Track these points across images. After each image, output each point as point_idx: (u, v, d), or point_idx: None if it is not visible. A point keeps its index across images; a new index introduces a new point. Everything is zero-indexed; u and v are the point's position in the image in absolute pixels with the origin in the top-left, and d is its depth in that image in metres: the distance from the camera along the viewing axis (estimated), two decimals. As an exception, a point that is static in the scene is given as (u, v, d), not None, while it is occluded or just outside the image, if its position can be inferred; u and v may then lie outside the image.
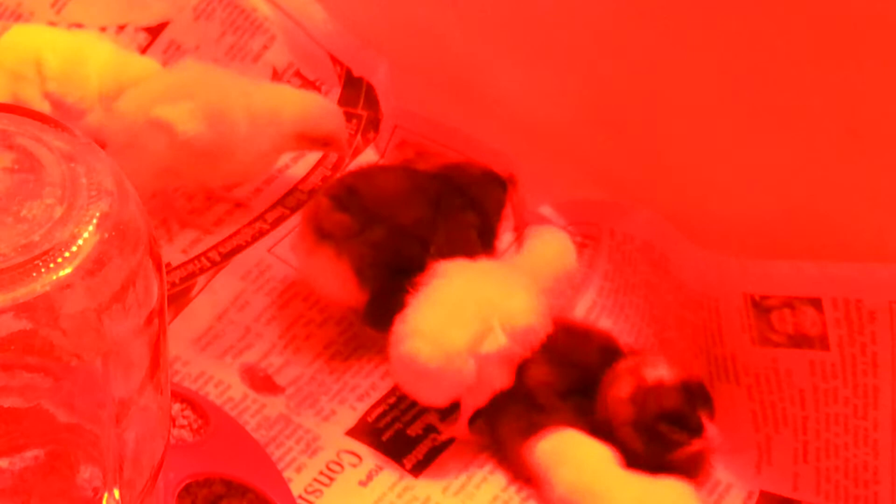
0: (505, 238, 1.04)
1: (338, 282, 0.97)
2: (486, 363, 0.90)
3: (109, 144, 1.03)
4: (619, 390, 0.90)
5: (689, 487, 0.87)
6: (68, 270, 0.63)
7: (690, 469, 0.91)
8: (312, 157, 1.12)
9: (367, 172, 1.02)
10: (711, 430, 0.88)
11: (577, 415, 0.91)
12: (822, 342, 0.90)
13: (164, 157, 1.02)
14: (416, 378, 0.91)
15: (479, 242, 1.00)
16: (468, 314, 0.91)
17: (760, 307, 0.92)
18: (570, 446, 0.89)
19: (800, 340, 0.91)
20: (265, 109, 1.04)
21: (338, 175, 1.04)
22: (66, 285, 0.63)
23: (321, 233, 0.97)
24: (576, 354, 0.94)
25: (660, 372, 0.89)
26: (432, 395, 0.92)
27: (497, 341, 0.91)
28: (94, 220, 0.64)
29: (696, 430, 0.88)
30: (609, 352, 0.94)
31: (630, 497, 0.86)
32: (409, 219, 0.97)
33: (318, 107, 1.07)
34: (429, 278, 0.93)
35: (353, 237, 0.96)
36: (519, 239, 1.03)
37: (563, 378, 0.93)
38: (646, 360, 0.91)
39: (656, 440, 0.89)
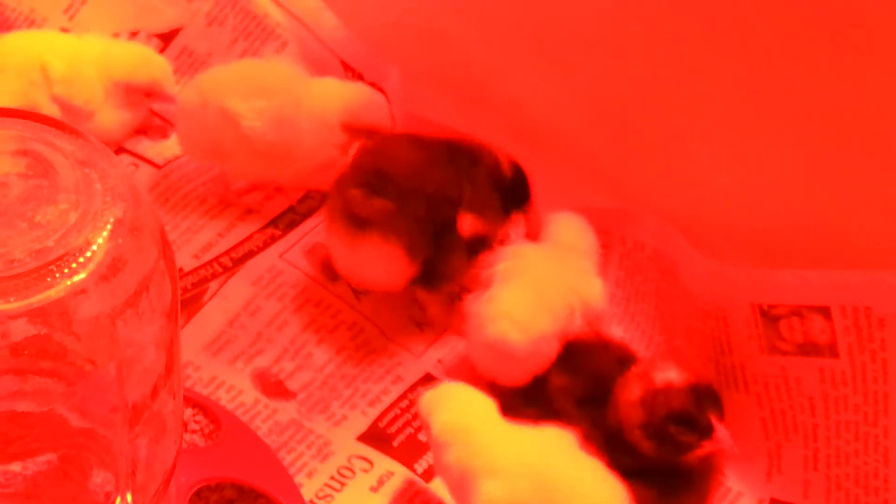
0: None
1: (389, 263, 0.97)
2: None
3: (177, 119, 1.07)
4: (629, 393, 0.90)
5: (570, 434, 0.87)
6: (82, 276, 0.63)
7: (704, 473, 0.90)
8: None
9: (380, 151, 1.01)
10: (721, 431, 0.87)
11: (591, 423, 0.91)
12: (832, 350, 0.90)
13: (227, 145, 1.04)
14: (502, 360, 0.93)
15: (497, 201, 1.01)
16: (554, 298, 0.93)
17: (769, 316, 0.92)
18: (452, 392, 0.89)
19: (809, 349, 0.91)
20: (318, 108, 1.05)
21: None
22: (80, 291, 0.63)
23: (360, 222, 0.97)
24: (594, 364, 0.94)
25: (669, 375, 0.89)
26: (514, 377, 0.93)
27: (576, 323, 0.94)
28: (109, 226, 0.65)
29: (706, 432, 0.88)
30: (625, 363, 0.94)
31: (504, 436, 0.86)
32: (439, 183, 0.97)
33: (362, 97, 1.07)
34: (502, 258, 0.95)
35: (395, 217, 0.96)
36: (533, 231, 1.02)
37: (581, 386, 0.93)
38: (655, 364, 0.92)
39: (667, 442, 0.88)
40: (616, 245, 1.04)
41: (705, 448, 0.88)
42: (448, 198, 0.98)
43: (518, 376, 0.93)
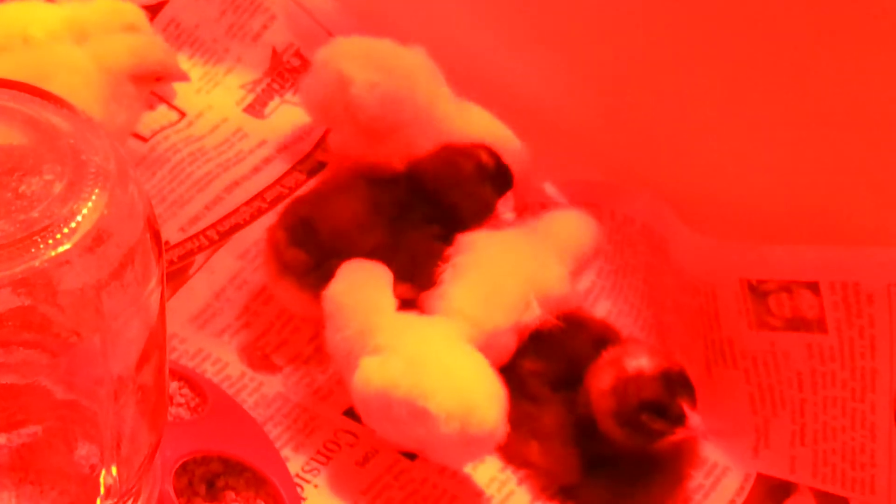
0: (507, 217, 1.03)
1: (304, 309, 0.97)
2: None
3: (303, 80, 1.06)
4: (600, 382, 0.89)
5: (459, 327, 0.88)
6: (67, 247, 0.63)
7: (677, 459, 0.90)
8: (315, 134, 1.12)
9: (321, 196, 0.99)
10: (693, 418, 0.87)
11: (568, 409, 0.91)
12: (820, 325, 0.90)
13: (336, 110, 1.03)
14: None
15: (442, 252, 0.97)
16: (508, 291, 0.92)
17: (757, 291, 0.92)
18: (354, 269, 0.90)
19: (797, 324, 0.91)
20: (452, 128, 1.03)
21: (293, 197, 1.02)
22: (64, 262, 0.63)
23: (282, 264, 0.96)
24: (569, 346, 0.93)
25: (640, 362, 0.88)
26: None
27: (533, 314, 0.92)
28: (94, 197, 0.64)
29: (678, 419, 0.87)
30: (602, 343, 0.93)
31: (391, 319, 0.88)
32: (367, 247, 0.95)
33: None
34: (457, 252, 0.93)
35: (311, 272, 0.95)
36: (523, 216, 1.02)
37: (555, 370, 0.92)
38: (627, 349, 0.90)
39: (639, 431, 0.88)
40: (605, 219, 1.04)
41: (678, 435, 0.88)
42: (376, 253, 0.95)
43: None
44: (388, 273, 0.91)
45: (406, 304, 0.93)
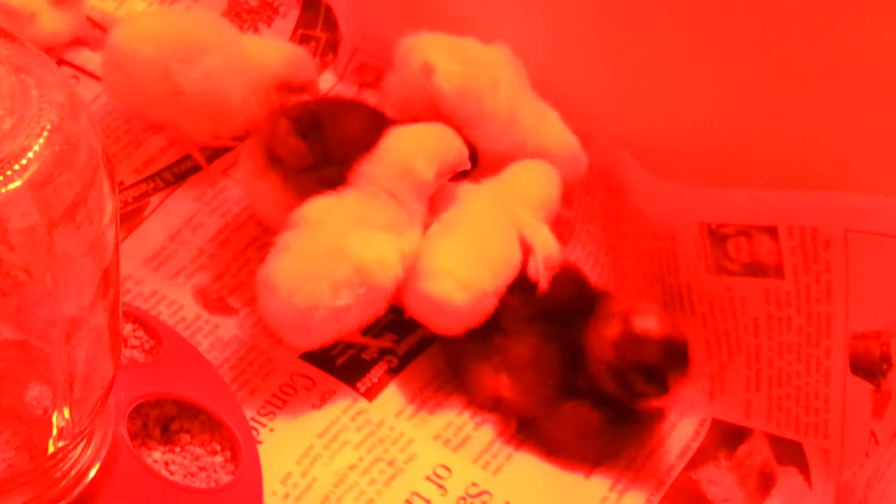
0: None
1: (279, 212, 0.94)
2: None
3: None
4: (606, 330, 0.89)
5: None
6: (17, 184, 0.62)
7: (645, 417, 0.91)
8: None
9: (335, 105, 0.98)
10: (677, 392, 0.88)
11: (543, 340, 0.91)
12: (777, 271, 0.90)
13: (418, 102, 1.01)
14: (440, 316, 0.91)
15: None
16: (496, 252, 0.91)
17: (716, 235, 0.92)
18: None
19: (755, 269, 0.91)
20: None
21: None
22: (14, 199, 0.62)
23: (272, 156, 0.95)
24: (549, 289, 0.93)
25: (649, 323, 0.88)
26: (452, 330, 0.92)
27: (534, 274, 0.91)
28: (45, 133, 0.63)
29: (663, 389, 0.88)
30: (579, 284, 0.93)
31: None
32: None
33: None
34: (443, 205, 0.92)
35: (304, 170, 0.94)
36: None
37: (529, 303, 0.92)
38: (639, 307, 0.90)
39: (624, 386, 0.88)
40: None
41: (657, 401, 0.89)
42: None
43: (455, 329, 0.91)
44: None
45: None
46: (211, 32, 1.03)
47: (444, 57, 1.00)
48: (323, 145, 0.94)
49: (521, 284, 0.92)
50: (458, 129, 0.97)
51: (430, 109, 0.99)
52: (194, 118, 1.02)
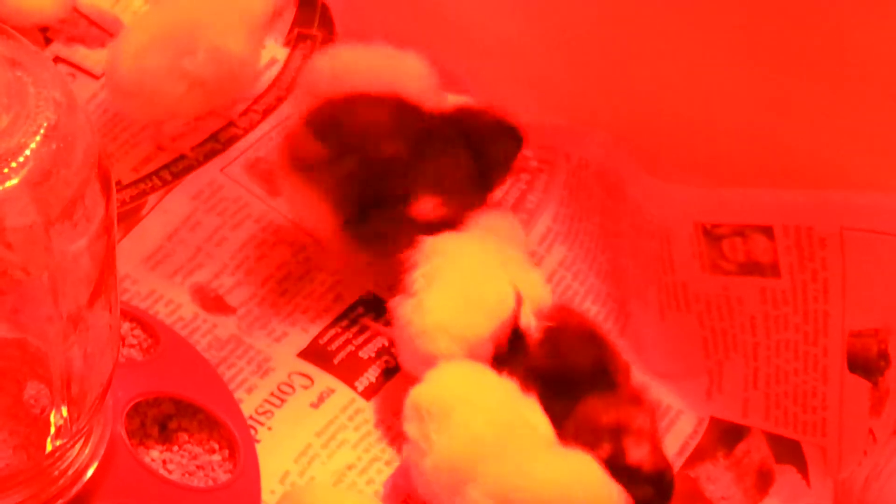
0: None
1: (311, 211, 0.95)
2: None
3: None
4: (591, 450, 0.84)
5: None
6: (14, 181, 0.62)
7: None
8: (269, 75, 1.11)
9: (355, 100, 0.97)
10: None
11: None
12: (773, 269, 0.90)
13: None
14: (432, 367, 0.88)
15: (474, 185, 0.96)
16: (489, 298, 0.89)
17: (712, 235, 0.92)
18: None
19: (751, 268, 0.91)
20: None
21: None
22: (11, 197, 0.62)
23: (295, 160, 0.95)
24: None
25: (642, 453, 0.85)
26: None
27: (526, 322, 0.89)
28: (42, 131, 0.63)
29: None
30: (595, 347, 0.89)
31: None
32: (386, 153, 0.93)
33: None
34: (424, 256, 0.90)
35: (324, 168, 0.94)
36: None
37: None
38: (630, 421, 0.86)
39: None
40: (561, 162, 1.03)
41: None
42: (392, 171, 0.93)
43: None
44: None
45: (436, 227, 0.92)
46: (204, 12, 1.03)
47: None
48: (339, 140, 0.94)
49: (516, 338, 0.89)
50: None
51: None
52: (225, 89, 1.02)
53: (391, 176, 0.94)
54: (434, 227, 0.93)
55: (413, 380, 0.92)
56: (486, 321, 0.88)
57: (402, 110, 0.96)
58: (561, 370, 0.88)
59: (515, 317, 0.89)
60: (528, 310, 0.90)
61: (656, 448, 0.86)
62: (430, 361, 0.88)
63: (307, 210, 0.96)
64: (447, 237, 0.92)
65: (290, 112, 1.06)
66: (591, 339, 0.90)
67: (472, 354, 0.87)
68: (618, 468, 0.83)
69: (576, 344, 0.89)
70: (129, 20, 1.10)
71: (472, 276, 0.90)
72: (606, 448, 0.85)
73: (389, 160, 0.93)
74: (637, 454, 0.85)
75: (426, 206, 0.93)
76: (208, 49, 1.00)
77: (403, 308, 0.89)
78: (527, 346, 0.89)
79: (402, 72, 1.01)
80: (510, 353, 0.89)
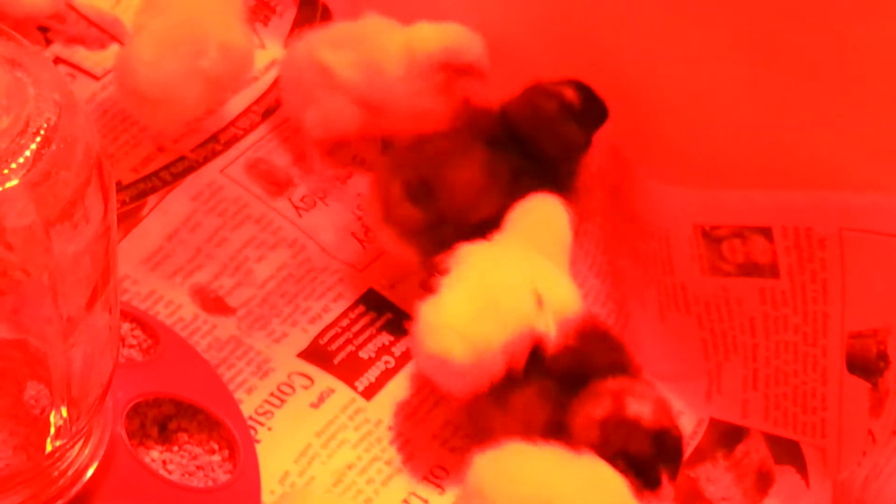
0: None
1: (399, 254, 0.96)
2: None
3: (282, 79, 1.05)
4: (594, 408, 0.84)
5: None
6: (14, 182, 0.62)
7: None
8: (269, 76, 1.11)
9: (444, 156, 0.95)
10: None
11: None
12: (773, 270, 0.90)
13: (328, 101, 1.01)
14: (443, 372, 0.87)
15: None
16: (505, 306, 0.87)
17: (710, 237, 0.92)
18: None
19: (750, 269, 0.91)
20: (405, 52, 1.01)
21: (407, 148, 0.98)
22: (11, 198, 0.62)
23: (388, 215, 0.94)
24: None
25: (643, 408, 0.83)
26: (456, 390, 0.88)
27: (548, 330, 0.87)
28: (42, 132, 0.63)
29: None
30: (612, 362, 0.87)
31: None
32: (484, 214, 0.93)
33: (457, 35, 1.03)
34: (455, 262, 0.89)
35: (419, 233, 0.94)
36: None
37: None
38: (636, 388, 0.84)
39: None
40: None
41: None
42: (484, 232, 0.92)
43: (460, 390, 0.88)
44: None
45: None
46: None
47: (331, 51, 1.01)
48: (434, 207, 0.93)
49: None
50: (376, 107, 0.99)
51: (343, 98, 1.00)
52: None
53: (484, 229, 0.93)
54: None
55: (416, 382, 0.92)
56: (497, 329, 0.86)
57: (488, 158, 0.94)
58: (577, 373, 0.86)
59: (534, 333, 0.87)
60: (548, 319, 0.88)
61: (662, 408, 0.84)
62: (435, 361, 0.87)
63: (396, 254, 0.97)
64: (480, 245, 0.91)
65: (286, 112, 1.07)
66: (613, 349, 0.89)
67: (479, 361, 0.86)
68: (615, 423, 0.82)
69: (596, 354, 0.87)
70: (129, 22, 1.10)
71: (492, 285, 0.89)
72: (606, 405, 0.83)
73: (484, 223, 0.92)
74: (636, 408, 0.83)
75: None
76: (218, 46, 1.01)
77: (422, 307, 0.89)
78: (543, 360, 0.87)
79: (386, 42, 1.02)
80: (527, 368, 0.87)
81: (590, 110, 0.95)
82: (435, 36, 1.02)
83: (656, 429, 0.83)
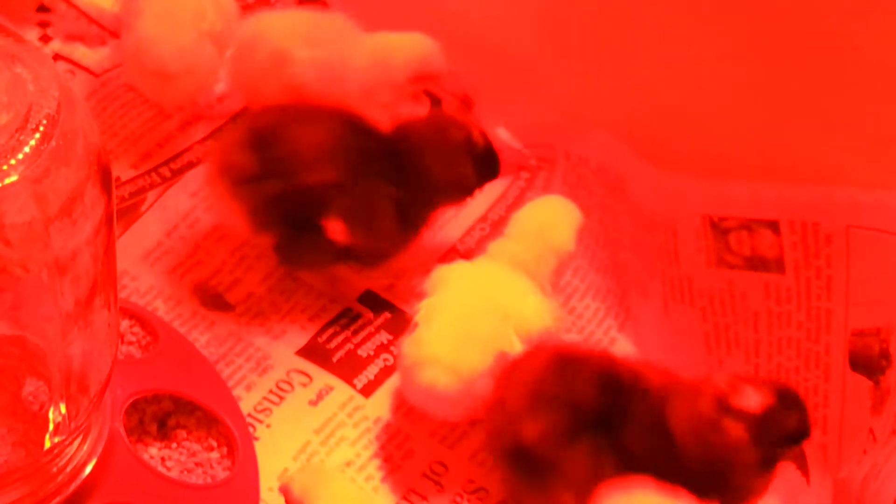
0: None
1: (231, 219, 0.94)
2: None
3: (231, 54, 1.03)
4: (731, 428, 0.80)
5: None
6: (14, 178, 0.62)
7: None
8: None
9: (297, 113, 0.95)
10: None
11: (594, 456, 0.83)
12: (779, 265, 0.90)
13: (271, 89, 0.99)
14: (433, 403, 0.88)
15: (396, 218, 0.94)
16: (484, 332, 0.88)
17: (719, 228, 0.92)
18: None
19: (756, 263, 0.91)
20: (374, 61, 1.01)
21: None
22: (11, 194, 0.62)
23: (223, 168, 0.94)
24: (572, 393, 0.84)
25: (755, 398, 0.80)
26: (448, 415, 0.89)
27: (514, 349, 0.87)
28: (41, 128, 0.63)
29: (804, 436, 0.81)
30: (608, 377, 0.84)
31: None
32: (313, 180, 0.92)
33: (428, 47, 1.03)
34: (431, 286, 0.89)
35: (248, 182, 0.92)
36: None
37: (564, 423, 0.84)
38: (723, 387, 0.81)
39: (771, 461, 0.81)
40: (560, 160, 1.03)
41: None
42: (315, 199, 0.92)
43: (451, 414, 0.89)
44: None
45: (342, 255, 0.93)
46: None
47: (294, 46, 0.99)
48: (269, 158, 0.93)
49: (539, 401, 0.84)
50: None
51: (289, 93, 0.98)
52: (231, 36, 1.02)
53: (314, 203, 0.93)
54: (360, 255, 0.94)
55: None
56: (480, 356, 0.87)
57: (343, 134, 0.94)
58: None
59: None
60: (513, 339, 0.88)
61: (758, 385, 0.80)
62: (424, 393, 0.87)
63: (227, 216, 0.95)
64: (457, 267, 0.91)
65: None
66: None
67: (468, 388, 0.86)
68: (758, 428, 0.79)
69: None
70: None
71: (470, 311, 0.89)
72: (738, 425, 0.80)
73: (313, 187, 0.92)
74: (752, 400, 0.79)
75: (333, 229, 0.92)
76: (211, 4, 1.02)
77: (404, 341, 0.89)
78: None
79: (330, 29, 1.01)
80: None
81: (487, 159, 0.95)
82: (409, 47, 1.02)
83: (773, 403, 0.80)
